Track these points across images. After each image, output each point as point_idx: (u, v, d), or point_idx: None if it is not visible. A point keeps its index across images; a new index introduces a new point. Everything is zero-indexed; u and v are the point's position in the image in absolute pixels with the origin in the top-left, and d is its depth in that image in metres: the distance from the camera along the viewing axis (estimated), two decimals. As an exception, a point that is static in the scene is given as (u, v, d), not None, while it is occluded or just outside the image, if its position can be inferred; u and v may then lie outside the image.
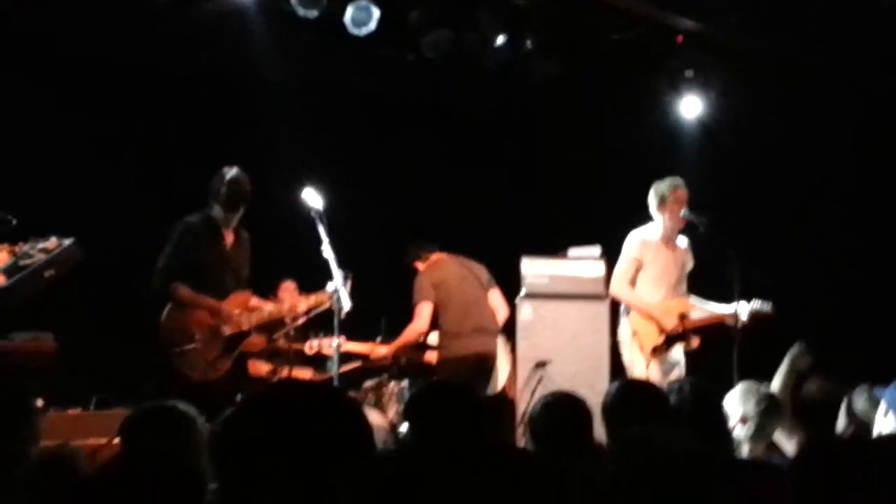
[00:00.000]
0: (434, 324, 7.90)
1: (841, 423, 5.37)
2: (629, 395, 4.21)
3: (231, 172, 7.09)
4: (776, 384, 4.82)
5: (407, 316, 8.01)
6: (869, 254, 9.41)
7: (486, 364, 7.79)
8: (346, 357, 7.83)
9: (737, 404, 4.82)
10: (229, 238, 7.16)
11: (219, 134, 8.87)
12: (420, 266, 8.03)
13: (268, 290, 7.65)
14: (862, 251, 9.41)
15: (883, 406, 4.81)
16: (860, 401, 5.35)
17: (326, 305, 7.08)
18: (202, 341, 6.88)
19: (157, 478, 2.76)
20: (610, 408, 4.15)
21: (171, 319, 6.91)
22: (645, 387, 4.57)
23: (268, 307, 7.14)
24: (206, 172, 7.29)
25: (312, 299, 7.15)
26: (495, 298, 8.15)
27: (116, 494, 2.71)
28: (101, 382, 6.81)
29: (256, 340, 7.10)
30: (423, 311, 7.76)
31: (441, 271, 7.91)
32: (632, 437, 3.13)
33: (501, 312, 8.13)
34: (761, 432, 4.55)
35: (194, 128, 8.85)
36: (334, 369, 6.88)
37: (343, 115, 9.37)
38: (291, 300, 7.25)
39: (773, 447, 4.96)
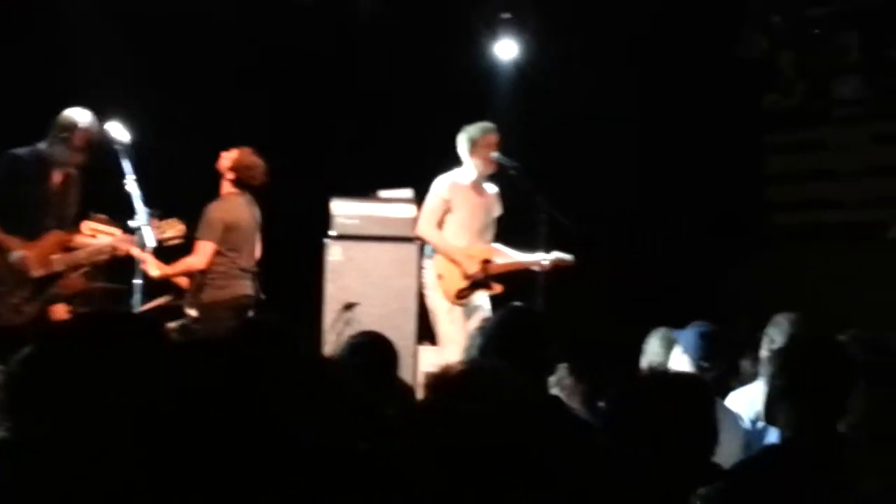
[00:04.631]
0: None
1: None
2: None
3: (88, 117, 6.82)
4: None
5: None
6: (675, 205, 9.67)
7: (248, 306, 7.68)
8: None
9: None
10: (57, 178, 6.87)
11: (24, 58, 8.46)
12: (224, 167, 7.71)
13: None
14: (669, 201, 9.67)
15: (678, 348, 5.23)
16: (654, 343, 5.61)
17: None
18: (7, 284, 6.63)
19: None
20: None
21: None
22: None
23: (85, 248, 6.84)
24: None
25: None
26: (258, 239, 7.99)
27: None
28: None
29: (72, 282, 6.84)
30: (206, 250, 7.47)
31: (235, 214, 7.63)
32: None
33: (258, 253, 8.00)
34: None
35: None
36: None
37: (152, 43, 9.06)
38: (116, 240, 6.96)
39: None
